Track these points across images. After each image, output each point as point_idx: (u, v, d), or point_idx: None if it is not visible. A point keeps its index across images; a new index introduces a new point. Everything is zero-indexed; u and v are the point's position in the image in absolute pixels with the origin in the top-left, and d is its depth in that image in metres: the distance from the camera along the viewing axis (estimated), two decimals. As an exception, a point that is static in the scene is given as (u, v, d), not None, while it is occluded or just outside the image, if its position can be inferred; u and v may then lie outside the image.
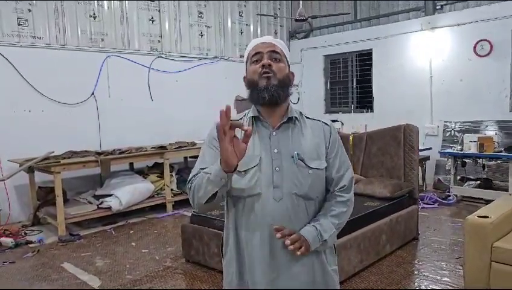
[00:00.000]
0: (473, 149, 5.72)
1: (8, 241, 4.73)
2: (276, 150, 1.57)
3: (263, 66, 1.57)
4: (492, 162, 6.12)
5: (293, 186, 1.55)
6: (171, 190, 6.18)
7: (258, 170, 1.55)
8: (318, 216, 1.62)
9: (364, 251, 3.77)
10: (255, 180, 1.54)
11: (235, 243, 1.63)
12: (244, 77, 1.69)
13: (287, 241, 1.46)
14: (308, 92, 9.16)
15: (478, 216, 3.15)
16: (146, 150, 6.02)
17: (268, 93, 1.55)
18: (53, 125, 5.92)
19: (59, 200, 4.96)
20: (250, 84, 1.63)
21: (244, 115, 1.69)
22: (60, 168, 5.03)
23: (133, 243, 4.80)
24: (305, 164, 1.57)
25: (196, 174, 1.56)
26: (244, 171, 1.54)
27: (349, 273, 3.60)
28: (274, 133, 1.59)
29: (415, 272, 3.77)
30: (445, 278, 3.59)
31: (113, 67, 6.61)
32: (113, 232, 5.24)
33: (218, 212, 4.05)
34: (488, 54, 6.57)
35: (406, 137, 4.58)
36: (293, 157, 1.56)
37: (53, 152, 5.42)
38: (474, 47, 6.67)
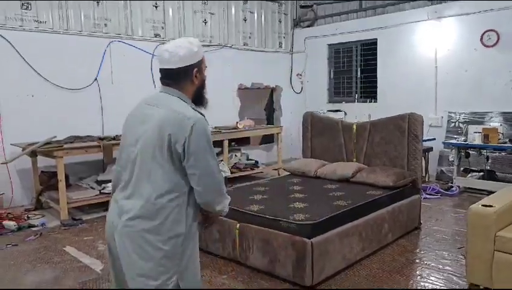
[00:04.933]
0: (477, 140, 5.68)
1: (11, 224, 4.75)
2: None
3: None
4: (496, 154, 6.09)
5: None
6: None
7: None
8: None
9: (367, 239, 3.76)
10: None
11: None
12: (196, 75, 1.90)
13: None
14: (312, 81, 9.11)
15: (482, 205, 3.13)
16: (149, 137, 5.99)
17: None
18: (56, 110, 5.91)
19: (61, 184, 4.97)
20: (202, 87, 1.95)
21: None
22: (63, 153, 5.02)
23: (135, 229, 4.81)
24: None
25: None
26: None
27: (351, 261, 3.61)
28: None
29: (417, 261, 3.77)
30: (447, 267, 3.58)
31: (116, 53, 6.58)
32: (115, 218, 5.24)
33: (221, 198, 4.05)
34: (494, 45, 6.50)
35: (410, 126, 4.55)
36: None
37: (55, 137, 5.41)
38: (481, 37, 6.59)
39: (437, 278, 3.39)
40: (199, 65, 1.90)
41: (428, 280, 3.35)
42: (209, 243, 3.90)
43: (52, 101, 5.91)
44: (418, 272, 3.54)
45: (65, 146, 5.10)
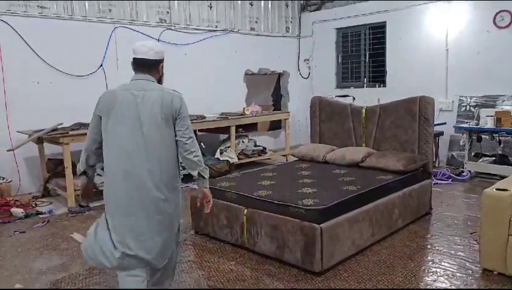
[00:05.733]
0: (489, 124, 5.55)
1: (19, 211, 4.74)
2: None
3: None
4: (509, 138, 5.96)
5: None
6: (180, 163, 6.11)
7: None
8: None
9: (377, 225, 3.70)
10: None
11: None
12: (160, 68, 2.50)
13: None
14: (319, 66, 8.96)
15: (496, 189, 3.04)
16: (155, 123, 5.94)
17: None
18: (61, 97, 5.86)
19: (68, 171, 4.95)
20: (162, 77, 2.54)
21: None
22: (69, 140, 4.99)
23: (142, 215, 4.79)
24: None
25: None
26: None
27: (361, 247, 3.54)
28: None
29: (428, 246, 3.70)
30: (460, 253, 3.51)
31: (122, 39, 6.49)
32: (123, 204, 5.23)
33: (228, 183, 4.00)
34: (508, 26, 6.32)
35: (421, 109, 4.44)
36: None
37: (62, 124, 5.38)
38: (494, 18, 6.42)
39: (449, 263, 3.32)
40: (163, 61, 2.51)
41: (441, 266, 3.28)
42: (216, 229, 3.86)
43: (57, 88, 5.86)
44: (429, 258, 3.47)
45: (71, 133, 5.06)
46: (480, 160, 6.09)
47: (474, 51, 6.72)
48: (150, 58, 2.42)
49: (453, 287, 2.95)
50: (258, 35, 8.41)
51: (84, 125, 5.51)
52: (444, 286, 2.98)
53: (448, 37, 6.99)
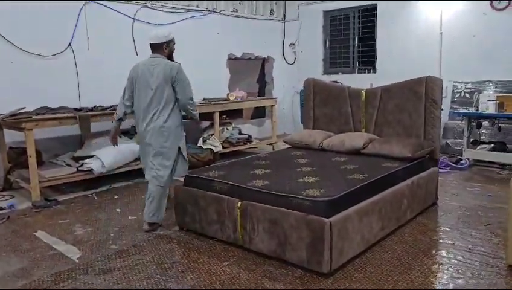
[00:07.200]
0: (491, 109, 5.24)
1: (-26, 207, 4.14)
2: None
3: None
4: (509, 125, 5.67)
5: None
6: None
7: None
8: None
9: (386, 217, 3.29)
10: None
11: None
12: (165, 48, 3.61)
13: None
14: (306, 51, 8.54)
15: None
16: (131, 108, 5.38)
17: None
18: (24, 79, 5.23)
19: (32, 161, 4.36)
20: (170, 54, 3.67)
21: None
22: (32, 125, 4.40)
23: (118, 209, 4.26)
24: None
25: None
26: None
27: (370, 242, 3.13)
28: None
29: (441, 241, 3.33)
30: (479, 247, 3.14)
31: (92, 17, 5.89)
32: (95, 198, 4.68)
33: (217, 173, 3.52)
34: (505, 8, 6.04)
35: (428, 91, 4.06)
36: None
37: (24, 108, 4.74)
38: (491, 0, 6.11)
39: (471, 260, 2.94)
40: (166, 43, 3.59)
41: (461, 263, 2.90)
42: (204, 225, 3.38)
43: (19, 68, 5.21)
44: (445, 253, 3.08)
45: (34, 117, 4.46)
46: (478, 147, 5.80)
47: (470, 34, 6.42)
48: (155, 42, 3.58)
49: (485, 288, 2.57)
50: (239, 16, 7.90)
51: (52, 110, 4.93)
52: (472, 287, 2.59)
53: (442, 20, 6.66)
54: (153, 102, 3.51)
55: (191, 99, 3.61)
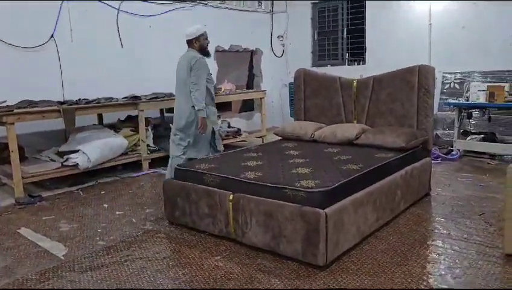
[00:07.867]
0: (481, 99, 5.23)
1: (-47, 205, 3.97)
2: None
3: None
4: (499, 115, 5.67)
5: None
6: (147, 145, 5.46)
7: None
8: None
9: (380, 208, 3.24)
10: None
11: None
12: (196, 42, 4.19)
13: None
14: (294, 43, 8.46)
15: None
16: (117, 101, 5.25)
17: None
18: (4, 72, 5.05)
19: (14, 156, 4.20)
20: (201, 47, 4.23)
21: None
22: (14, 119, 4.24)
23: (105, 205, 4.13)
24: None
25: None
26: None
27: (365, 234, 3.07)
28: None
29: (436, 231, 3.28)
30: (474, 237, 3.10)
31: (75, 7, 5.71)
32: (81, 193, 4.54)
33: (207, 165, 3.42)
34: (494, -3, 6.02)
35: (421, 80, 4.01)
36: None
37: (5, 101, 4.57)
38: (480, -10, 6.10)
39: (467, 250, 2.90)
40: (196, 39, 4.18)
41: (457, 252, 2.85)
42: (195, 219, 3.29)
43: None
44: (441, 244, 3.03)
45: (16, 111, 4.30)
46: (469, 138, 5.79)
47: (459, 24, 6.40)
48: (187, 38, 4.20)
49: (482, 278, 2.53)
50: (227, 8, 7.76)
51: (35, 103, 4.76)
52: (470, 277, 2.54)
53: (431, 10, 6.63)
54: (179, 87, 4.21)
55: (195, 84, 4.00)
